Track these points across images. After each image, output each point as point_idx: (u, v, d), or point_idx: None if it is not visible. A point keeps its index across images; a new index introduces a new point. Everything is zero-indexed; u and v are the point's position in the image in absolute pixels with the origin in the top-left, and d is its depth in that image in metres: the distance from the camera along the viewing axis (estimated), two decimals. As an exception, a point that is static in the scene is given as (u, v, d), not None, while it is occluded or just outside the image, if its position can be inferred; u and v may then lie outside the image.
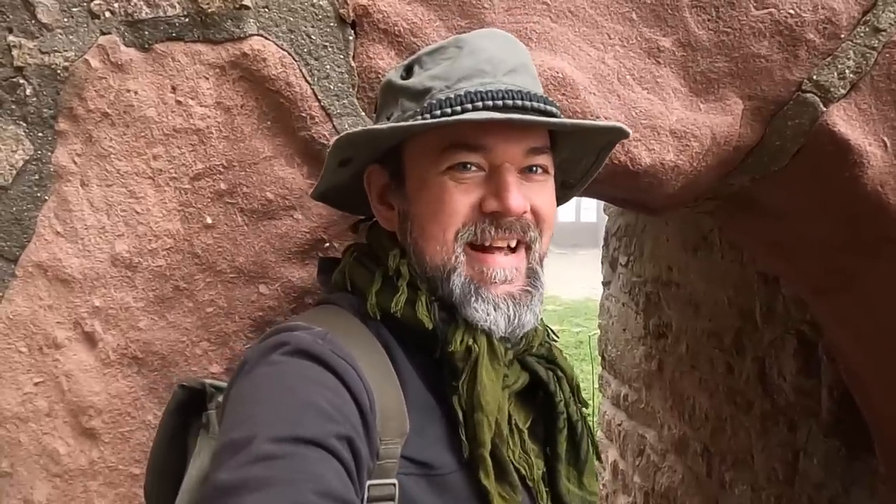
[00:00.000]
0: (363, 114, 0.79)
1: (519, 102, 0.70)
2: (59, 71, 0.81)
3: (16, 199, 0.86)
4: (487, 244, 0.71)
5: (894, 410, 0.99)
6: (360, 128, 0.71)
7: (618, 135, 0.77)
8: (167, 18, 0.78)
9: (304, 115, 0.77)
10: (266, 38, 0.76)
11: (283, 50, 0.77)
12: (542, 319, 0.82)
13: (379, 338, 0.73)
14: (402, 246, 0.76)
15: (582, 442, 0.81)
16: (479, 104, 0.69)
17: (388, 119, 0.74)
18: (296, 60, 0.76)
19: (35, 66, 0.82)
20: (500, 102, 0.69)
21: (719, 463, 1.74)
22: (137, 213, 0.83)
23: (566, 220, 15.20)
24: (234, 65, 0.77)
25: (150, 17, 0.78)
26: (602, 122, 0.75)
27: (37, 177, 0.86)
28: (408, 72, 0.75)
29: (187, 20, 0.77)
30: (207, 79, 0.78)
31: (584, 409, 0.84)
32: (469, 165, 0.70)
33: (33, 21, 0.83)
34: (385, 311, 0.73)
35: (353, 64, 0.77)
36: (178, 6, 0.77)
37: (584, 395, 0.87)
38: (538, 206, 0.73)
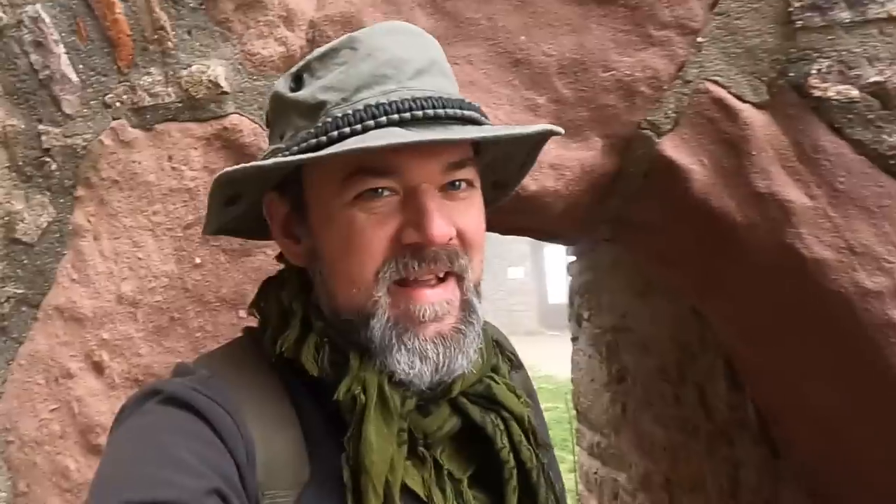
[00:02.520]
0: (318, 168, 0.99)
1: (431, 112, 0.62)
2: (78, 150, 1.03)
3: (40, 254, 1.05)
4: (412, 279, 0.63)
5: (778, 400, 1.14)
6: (240, 165, 0.64)
7: (548, 134, 0.68)
8: (164, 105, 1.00)
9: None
10: (241, 115, 0.98)
11: (255, 123, 0.98)
12: (498, 346, 0.77)
13: (282, 381, 0.67)
14: (310, 281, 0.69)
15: (538, 492, 0.71)
16: (384, 119, 0.61)
17: (282, 138, 0.67)
18: (265, 130, 0.98)
19: (59, 147, 1.03)
20: (408, 115, 0.61)
21: (679, 492, 1.86)
22: (139, 258, 1.02)
23: (557, 301, 15.32)
24: (216, 136, 0.99)
25: (151, 104, 1.01)
26: (529, 128, 0.66)
27: (58, 235, 1.05)
28: (296, 82, 0.68)
29: (180, 105, 1.00)
30: (196, 149, 0.99)
31: (544, 452, 0.74)
32: (380, 191, 0.62)
33: (59, 113, 1.05)
34: (282, 354, 0.66)
35: (309, 131, 0.99)
36: (172, 95, 1.00)
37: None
38: (464, 228, 0.65)
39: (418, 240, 0.62)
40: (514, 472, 0.70)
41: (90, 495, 0.56)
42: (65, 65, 1.03)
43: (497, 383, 0.72)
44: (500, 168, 0.76)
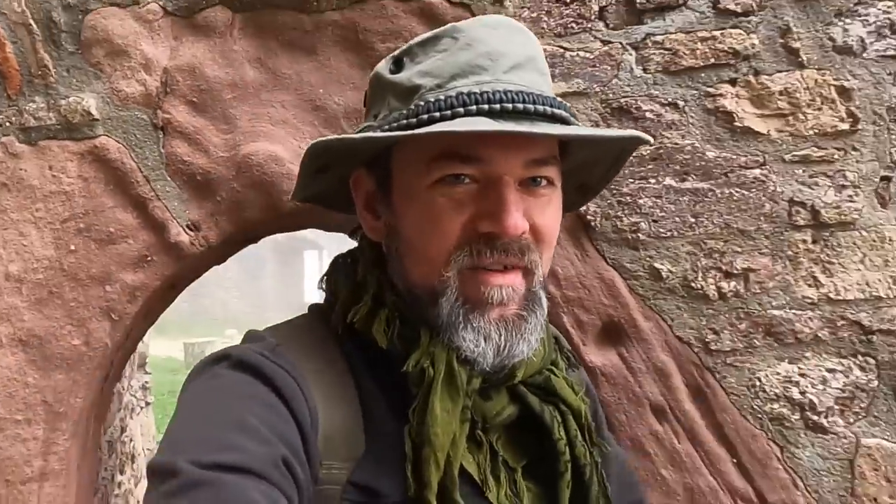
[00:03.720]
0: (169, 178, 1.30)
1: (520, 106, 0.63)
2: (-27, 158, 1.30)
3: (-61, 240, 1.31)
4: (482, 266, 0.65)
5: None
6: (332, 136, 0.66)
7: (637, 140, 0.71)
8: (46, 126, 1.29)
9: (132, 181, 1.28)
10: (108, 137, 1.28)
11: (120, 143, 1.29)
12: (557, 342, 0.78)
13: (345, 355, 0.70)
14: (384, 257, 0.72)
15: (591, 490, 0.72)
16: (474, 108, 0.62)
17: (376, 118, 0.70)
18: (127, 149, 1.28)
19: (-43, 156, 1.30)
20: (497, 106, 0.62)
21: None
22: (24, 245, 1.30)
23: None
24: (89, 153, 1.28)
25: (35, 125, 1.29)
26: (617, 132, 0.70)
27: (-45, 226, 1.32)
28: (397, 65, 0.70)
29: (59, 127, 1.28)
30: (72, 161, 1.28)
31: (598, 452, 0.74)
32: (462, 178, 0.64)
33: (-44, 128, 1.31)
34: (351, 326, 0.69)
35: (162, 150, 1.30)
36: (53, 119, 1.28)
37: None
38: (539, 224, 0.66)
39: (492, 229, 0.63)
40: (569, 465, 0.71)
41: (159, 452, 0.58)
42: (-38, 90, 1.30)
43: (556, 376, 0.74)
44: (586, 172, 0.78)
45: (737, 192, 1.16)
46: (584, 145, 0.73)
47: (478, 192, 0.64)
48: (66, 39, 1.28)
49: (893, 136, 1.14)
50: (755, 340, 1.15)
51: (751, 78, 1.15)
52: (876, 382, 1.14)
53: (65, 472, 1.33)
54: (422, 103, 0.64)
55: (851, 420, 1.14)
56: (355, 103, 1.25)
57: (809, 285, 1.15)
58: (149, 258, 1.31)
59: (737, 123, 1.15)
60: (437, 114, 0.63)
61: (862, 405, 1.14)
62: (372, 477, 0.64)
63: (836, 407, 1.14)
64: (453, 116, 0.62)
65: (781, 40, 1.15)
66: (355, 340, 0.70)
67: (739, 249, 1.16)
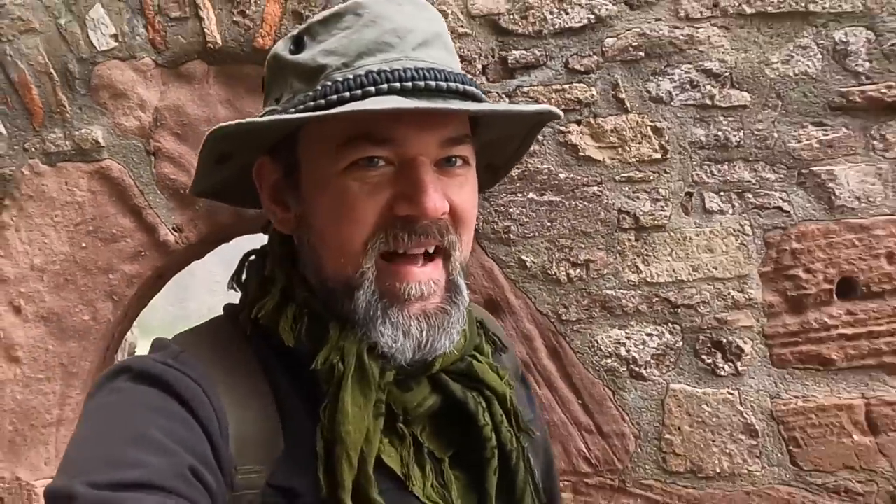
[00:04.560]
0: (159, 192, 1.69)
1: (433, 84, 0.60)
2: (7, 176, 1.67)
3: (-21, 239, 1.69)
4: (401, 252, 0.63)
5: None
6: (235, 121, 0.62)
7: (549, 115, 0.70)
8: (63, 151, 1.66)
9: (130, 194, 1.67)
10: (112, 160, 1.66)
11: (120, 164, 1.67)
12: (481, 326, 0.77)
13: (256, 354, 0.67)
14: (294, 251, 0.69)
15: (517, 476, 0.70)
16: (385, 87, 0.59)
17: (278, 101, 0.66)
18: (126, 169, 1.67)
19: (-6, 174, 1.68)
20: (409, 84, 0.60)
21: None
22: (45, 243, 1.68)
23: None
24: (96, 172, 1.67)
25: (55, 150, 1.67)
26: (532, 107, 0.68)
27: (-9, 228, 1.69)
28: (297, 45, 0.66)
29: (74, 152, 1.66)
30: (83, 178, 1.67)
31: (525, 437, 0.73)
32: (376, 160, 0.61)
33: (-7, 152, 1.69)
34: (258, 324, 0.66)
35: (154, 170, 1.68)
36: (69, 146, 1.66)
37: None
38: (457, 204, 0.64)
39: (411, 212, 0.61)
40: (496, 451, 0.68)
41: (57, 475, 0.54)
42: (-3, 123, 1.68)
43: (479, 361, 0.71)
44: (496, 151, 0.76)
45: (580, 203, 1.56)
46: (494, 123, 0.71)
47: (393, 175, 0.62)
48: (79, 85, 1.66)
49: (694, 163, 1.55)
50: (594, 313, 1.56)
51: (591, 119, 1.56)
52: (681, 343, 1.54)
53: (76, 419, 1.71)
54: (329, 83, 0.61)
55: (663, 371, 1.55)
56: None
57: (633, 272, 1.56)
58: (142, 253, 1.69)
59: (580, 153, 1.56)
60: (347, 94, 0.60)
61: (671, 360, 1.55)
62: (290, 477, 0.62)
63: (653, 361, 1.55)
64: (364, 96, 0.60)
65: (613, 92, 1.56)
66: (267, 339, 0.67)
67: (583, 246, 1.56)
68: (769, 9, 1.52)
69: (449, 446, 0.70)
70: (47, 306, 1.67)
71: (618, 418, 1.54)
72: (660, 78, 1.54)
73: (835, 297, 1.51)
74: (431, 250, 0.65)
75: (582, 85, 1.55)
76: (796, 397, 1.52)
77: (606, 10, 1.54)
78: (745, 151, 1.53)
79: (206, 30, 1.62)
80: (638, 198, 1.55)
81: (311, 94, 0.63)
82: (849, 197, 1.51)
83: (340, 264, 0.65)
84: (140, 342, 5.94)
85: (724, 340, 1.53)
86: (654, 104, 1.54)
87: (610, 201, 1.55)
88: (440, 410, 0.69)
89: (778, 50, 1.53)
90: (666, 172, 1.55)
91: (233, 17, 1.62)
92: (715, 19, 1.54)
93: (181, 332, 0.72)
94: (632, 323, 1.55)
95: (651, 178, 1.55)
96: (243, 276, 0.75)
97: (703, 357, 1.53)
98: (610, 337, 1.55)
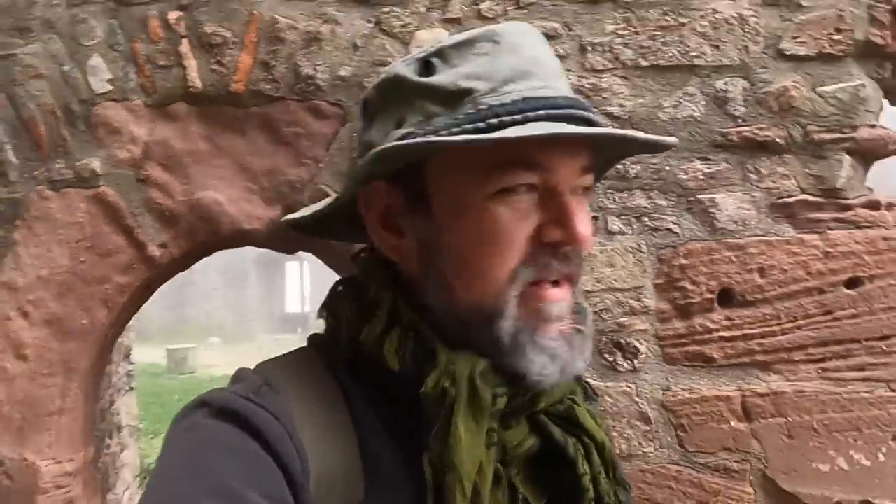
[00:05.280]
0: (147, 214, 1.97)
1: (578, 112, 0.61)
2: (18, 199, 1.95)
3: (-7, 254, 1.97)
4: (550, 279, 0.61)
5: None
6: (393, 143, 0.59)
7: (663, 146, 0.70)
8: (66, 179, 1.94)
9: (122, 215, 1.94)
10: (107, 187, 1.94)
11: (114, 191, 1.95)
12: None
13: (342, 387, 0.64)
14: (398, 277, 0.67)
15: None
16: (543, 112, 0.59)
17: (400, 125, 0.63)
18: (119, 195, 1.95)
19: (7, 199, 1.96)
20: (562, 112, 0.59)
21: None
22: (50, 257, 1.96)
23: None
24: (94, 197, 1.94)
25: (59, 178, 1.95)
26: (662, 138, 0.68)
27: (4, 245, 1.97)
28: (426, 67, 0.64)
29: (75, 179, 1.94)
30: (83, 202, 1.94)
31: (622, 491, 0.69)
32: (521, 187, 0.60)
33: (6, 180, 1.97)
34: (359, 350, 0.64)
35: (143, 196, 1.97)
36: (71, 174, 1.94)
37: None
38: (587, 233, 0.63)
39: (562, 238, 0.60)
40: (593, 503, 0.65)
41: None
42: (10, 154, 1.96)
43: (579, 405, 0.69)
44: None
45: (503, 225, 1.85)
46: (596, 154, 0.68)
47: (536, 203, 0.61)
48: (80, 122, 1.94)
49: (599, 192, 1.83)
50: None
51: (512, 154, 1.85)
52: (588, 344, 1.83)
53: (75, 409, 1.98)
54: (483, 107, 0.60)
55: (572, 367, 1.83)
56: (269, 166, 1.93)
57: (547, 283, 1.85)
58: (133, 266, 1.97)
59: (503, 183, 1.85)
60: (508, 117, 0.59)
61: (579, 358, 1.84)
62: None
63: (563, 359, 1.83)
64: (524, 121, 0.59)
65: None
66: (357, 369, 0.65)
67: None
68: (661, 62, 1.81)
69: (543, 494, 0.66)
70: (51, 311, 1.95)
71: (534, 407, 1.82)
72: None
73: (716, 305, 1.79)
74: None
75: (504, 125, 1.84)
76: (683, 390, 1.79)
77: (524, 62, 1.83)
78: (642, 182, 1.82)
79: (188, 76, 1.90)
80: (551, 221, 1.83)
81: (461, 116, 0.61)
82: (727, 220, 1.79)
83: (483, 292, 0.62)
84: (140, 348, 6.25)
85: (623, 342, 1.81)
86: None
87: (527, 224, 1.83)
88: (536, 454, 0.66)
89: (669, 96, 1.82)
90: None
91: (210, 66, 1.90)
92: (616, 71, 1.82)
93: (263, 363, 0.69)
94: (546, 326, 1.82)
95: (562, 204, 1.83)
96: (335, 304, 0.71)
97: (606, 356, 1.81)
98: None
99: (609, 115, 1.81)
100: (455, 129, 0.61)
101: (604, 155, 0.73)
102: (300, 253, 2.13)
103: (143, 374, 7.36)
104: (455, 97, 0.62)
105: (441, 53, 0.65)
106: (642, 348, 1.80)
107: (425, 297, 0.67)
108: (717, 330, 1.79)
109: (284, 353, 0.73)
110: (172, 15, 1.89)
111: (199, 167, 1.84)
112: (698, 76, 1.81)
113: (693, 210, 1.81)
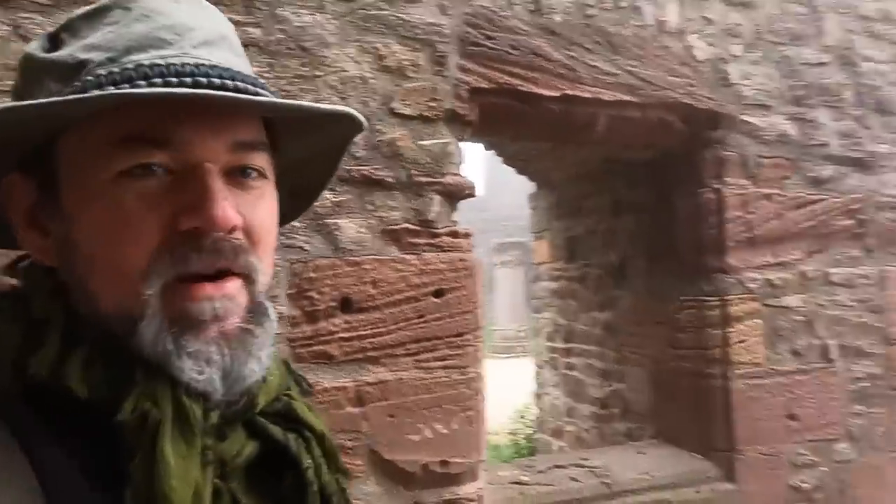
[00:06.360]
0: None
1: (216, 81, 0.53)
2: None
3: None
4: (191, 273, 0.54)
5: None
6: None
7: (350, 125, 0.62)
8: None
9: None
10: None
11: None
12: (286, 364, 0.69)
13: (13, 425, 0.52)
14: (65, 285, 0.58)
15: None
16: (159, 81, 0.51)
17: None
18: None
19: None
20: (188, 80, 0.52)
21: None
22: None
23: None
24: None
25: None
26: (329, 106, 0.60)
27: None
28: (53, 42, 0.58)
29: None
30: None
31: (343, 478, 0.67)
32: (153, 167, 0.53)
33: None
34: (32, 378, 0.53)
35: None
36: None
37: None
38: (253, 222, 0.57)
39: (197, 224, 0.53)
40: (319, 496, 0.63)
41: None
42: None
43: (296, 399, 0.66)
44: (299, 174, 0.69)
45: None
46: (294, 137, 0.63)
47: (174, 184, 0.54)
48: None
49: (240, 212, 2.07)
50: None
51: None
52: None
53: None
54: (90, 78, 0.53)
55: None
56: None
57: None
58: None
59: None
60: (112, 88, 0.52)
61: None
62: None
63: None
64: (133, 89, 0.52)
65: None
66: (30, 401, 0.54)
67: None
68: (298, 105, 2.13)
69: (266, 499, 0.61)
70: None
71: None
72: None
73: (338, 311, 2.16)
74: (224, 270, 0.57)
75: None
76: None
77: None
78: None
79: None
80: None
81: (68, 90, 0.54)
82: (348, 241, 2.18)
83: (118, 293, 0.55)
84: None
85: (259, 344, 2.06)
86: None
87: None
88: (255, 459, 0.61)
89: (304, 135, 2.15)
90: (218, 217, 2.03)
91: None
92: (259, 107, 2.09)
93: None
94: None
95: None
96: None
97: (243, 357, 2.05)
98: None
99: (252, 145, 2.07)
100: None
101: (306, 138, 0.66)
102: None
103: None
104: (72, 70, 0.55)
105: (70, 27, 0.59)
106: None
107: (77, 307, 0.58)
108: (338, 332, 2.15)
109: None
110: None
111: None
112: (328, 121, 2.18)
113: (321, 232, 2.16)
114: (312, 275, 2.14)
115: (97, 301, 0.56)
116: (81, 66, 0.55)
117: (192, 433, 0.53)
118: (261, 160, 0.59)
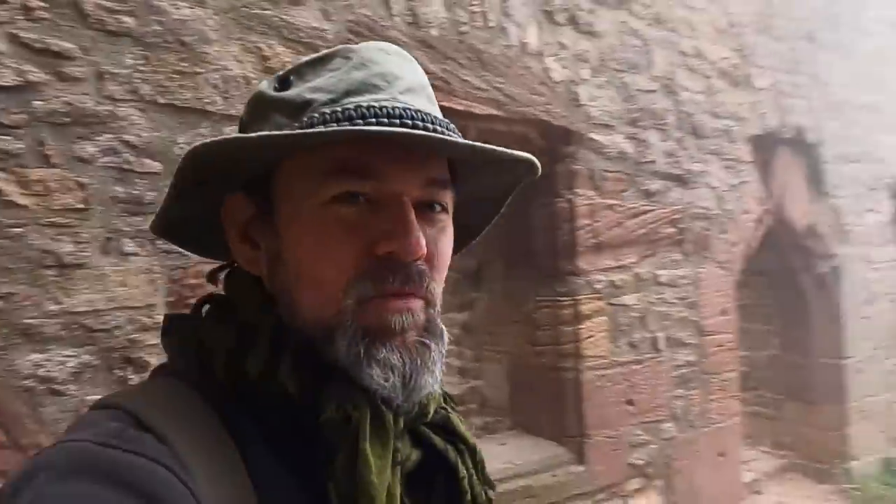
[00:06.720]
0: None
1: (420, 124, 0.59)
2: None
3: None
4: (387, 292, 0.59)
5: None
6: (221, 136, 0.59)
7: (528, 169, 0.67)
8: None
9: None
10: None
11: None
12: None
13: (224, 420, 0.57)
14: (269, 295, 0.64)
15: None
16: (373, 120, 0.58)
17: None
18: None
19: None
20: (396, 121, 0.58)
21: None
22: None
23: None
24: None
25: None
26: (518, 152, 0.65)
27: None
28: (282, 83, 0.65)
29: None
30: None
31: (490, 490, 0.71)
32: (359, 196, 0.60)
33: None
34: (240, 380, 0.59)
35: None
36: None
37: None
38: (435, 251, 0.62)
39: (394, 249, 0.59)
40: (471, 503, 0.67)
41: None
42: None
43: (452, 413, 0.70)
44: (470, 211, 0.74)
45: (4, 242, 1.75)
46: (472, 178, 0.69)
47: (373, 213, 0.60)
48: None
49: (113, 214, 1.92)
50: (15, 340, 1.76)
51: (17, 169, 1.77)
52: (98, 362, 1.88)
53: None
54: (315, 115, 0.60)
55: (81, 385, 1.85)
56: None
57: (55, 303, 1.82)
58: None
59: (4, 197, 1.76)
60: (335, 125, 0.58)
61: (88, 376, 1.86)
62: None
63: (71, 379, 1.83)
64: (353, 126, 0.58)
65: (40, 148, 1.81)
66: (240, 402, 0.59)
67: (5, 280, 1.75)
68: (176, 103, 2.02)
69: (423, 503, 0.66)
70: None
71: (35, 431, 1.76)
72: (87, 141, 1.87)
73: (220, 319, 2.08)
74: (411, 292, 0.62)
75: (11, 137, 1.75)
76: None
77: (35, 76, 1.79)
78: (157, 208, 1.98)
79: None
80: (61, 240, 1.82)
81: (296, 125, 0.61)
82: (231, 247, 2.11)
83: (320, 303, 0.61)
84: None
85: (134, 356, 1.92)
86: (79, 163, 1.86)
87: (33, 242, 1.78)
88: (414, 466, 0.65)
89: (184, 133, 2.04)
90: (88, 220, 1.87)
91: None
92: (135, 102, 1.95)
93: (116, 397, 0.59)
94: (52, 347, 1.80)
95: (74, 224, 1.85)
96: (181, 334, 0.65)
97: (116, 371, 1.90)
98: (30, 360, 1.77)
99: (127, 142, 1.93)
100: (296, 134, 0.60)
101: (483, 179, 0.71)
102: None
103: None
104: (298, 108, 0.62)
105: (297, 71, 0.66)
106: (152, 360, 1.94)
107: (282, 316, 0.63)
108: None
109: (142, 383, 0.66)
110: None
111: None
112: (210, 120, 2.09)
113: (202, 236, 2.06)
114: (193, 281, 2.04)
115: (299, 310, 0.61)
116: (307, 104, 0.61)
117: (386, 436, 0.59)
118: (446, 196, 0.65)
